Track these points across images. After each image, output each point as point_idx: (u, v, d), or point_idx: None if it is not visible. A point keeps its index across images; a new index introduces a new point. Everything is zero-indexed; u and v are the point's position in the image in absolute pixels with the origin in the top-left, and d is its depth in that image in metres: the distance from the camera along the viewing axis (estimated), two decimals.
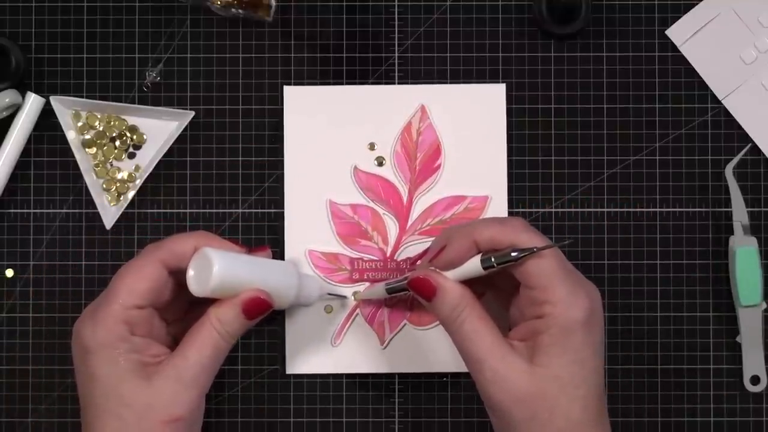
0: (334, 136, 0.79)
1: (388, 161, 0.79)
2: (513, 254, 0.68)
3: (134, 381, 0.68)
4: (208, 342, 0.69)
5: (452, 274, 0.70)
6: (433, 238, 0.78)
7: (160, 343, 0.71)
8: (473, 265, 0.69)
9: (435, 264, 0.71)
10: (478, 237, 0.69)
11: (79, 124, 0.79)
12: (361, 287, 0.79)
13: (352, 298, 0.79)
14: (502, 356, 0.67)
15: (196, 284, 0.69)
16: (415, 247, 0.79)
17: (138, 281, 0.70)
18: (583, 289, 0.68)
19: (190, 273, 0.70)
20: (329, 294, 0.78)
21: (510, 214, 0.79)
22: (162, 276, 0.70)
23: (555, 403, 0.66)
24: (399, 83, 0.80)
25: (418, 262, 0.75)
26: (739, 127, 0.79)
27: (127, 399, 0.68)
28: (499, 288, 0.73)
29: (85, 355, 0.69)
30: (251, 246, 0.74)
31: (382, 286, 0.76)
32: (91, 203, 0.79)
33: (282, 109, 0.80)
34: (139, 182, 0.79)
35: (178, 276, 0.71)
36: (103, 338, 0.69)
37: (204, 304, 0.71)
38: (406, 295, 0.78)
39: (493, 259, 0.68)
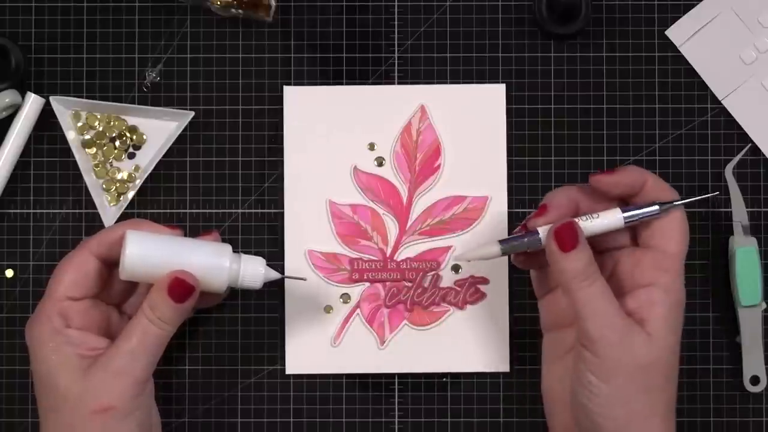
0: (334, 136, 0.79)
1: (387, 161, 0.79)
2: (659, 206, 0.68)
3: (69, 374, 0.69)
4: (139, 330, 0.69)
5: (589, 226, 0.68)
6: (433, 238, 0.78)
7: (112, 336, 0.71)
8: (613, 218, 0.68)
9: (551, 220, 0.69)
10: (623, 180, 0.69)
11: (79, 124, 0.79)
12: (361, 288, 0.79)
13: (451, 259, 0.78)
14: (624, 325, 0.67)
15: (120, 267, 0.70)
16: (414, 247, 0.79)
17: (67, 273, 0.70)
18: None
19: (120, 259, 0.70)
20: (285, 277, 0.76)
21: (510, 214, 0.79)
22: (92, 266, 0.71)
23: (671, 372, 0.68)
24: (399, 83, 0.80)
25: (536, 219, 0.70)
26: (739, 127, 0.79)
27: (62, 391, 0.68)
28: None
29: (30, 355, 0.70)
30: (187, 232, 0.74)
31: (496, 244, 0.69)
32: (91, 203, 0.79)
33: (282, 109, 0.80)
34: (139, 182, 0.79)
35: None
36: (37, 334, 0.70)
37: None
38: (407, 301, 0.78)
39: (637, 211, 0.68)
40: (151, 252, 0.70)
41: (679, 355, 0.68)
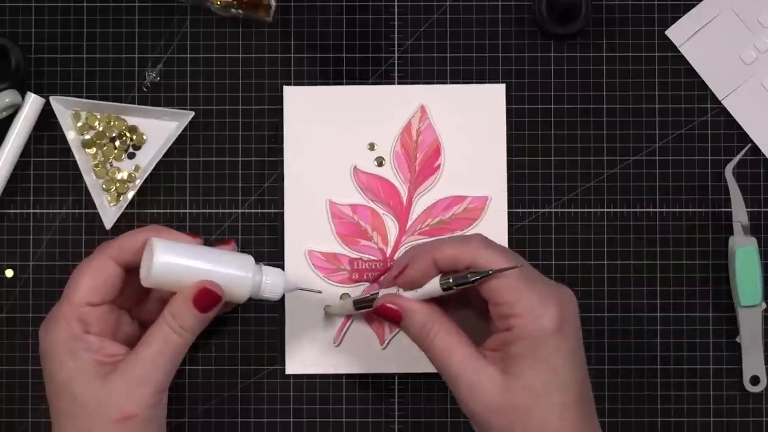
0: (333, 136, 0.79)
1: (387, 161, 0.79)
2: (470, 277, 0.67)
3: (87, 381, 0.68)
4: (160, 338, 0.69)
5: (414, 294, 0.70)
6: (433, 239, 0.78)
7: (128, 342, 0.71)
8: (433, 286, 0.69)
9: (398, 283, 0.71)
10: (438, 256, 0.69)
11: (79, 124, 0.79)
12: (361, 288, 0.79)
13: (345, 302, 0.79)
14: (476, 369, 0.67)
15: (144, 275, 0.69)
16: None
17: (88, 279, 0.70)
18: (551, 296, 0.67)
19: (141, 265, 0.70)
20: (301, 289, 0.76)
21: (510, 214, 0.79)
22: (113, 272, 0.70)
23: (529, 414, 0.66)
24: (399, 83, 0.80)
25: (382, 278, 0.75)
26: (739, 127, 0.79)
27: (80, 399, 0.68)
28: (472, 300, 0.72)
29: (43, 358, 0.70)
30: (208, 241, 0.74)
31: (350, 302, 0.76)
32: (91, 203, 0.79)
33: (282, 109, 0.80)
34: (138, 182, 0.79)
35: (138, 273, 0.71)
36: (55, 339, 0.69)
37: None
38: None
39: (451, 281, 0.68)
40: (179, 261, 0.69)
41: (548, 395, 0.66)
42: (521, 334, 0.66)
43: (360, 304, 0.75)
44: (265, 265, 0.73)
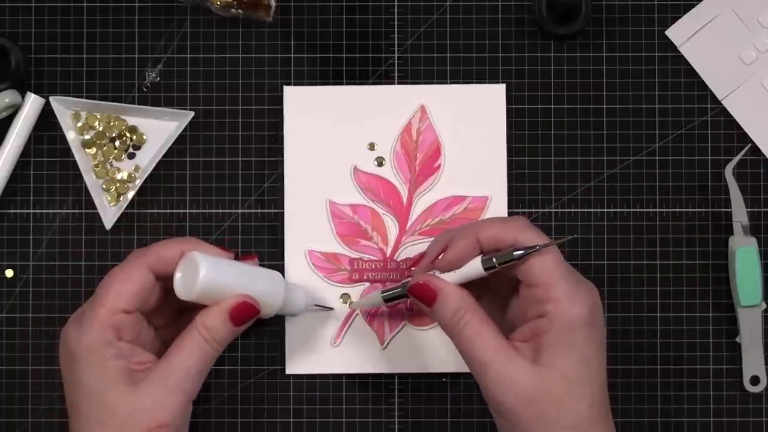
0: (334, 136, 0.79)
1: (387, 161, 0.79)
2: (515, 253, 0.68)
3: (119, 387, 0.68)
4: (193, 348, 0.69)
5: (452, 277, 0.70)
6: (433, 238, 0.78)
7: (147, 349, 0.71)
8: (474, 267, 0.69)
9: (437, 266, 0.71)
10: (482, 236, 0.69)
11: (79, 124, 0.79)
12: (361, 288, 0.79)
13: (347, 306, 0.79)
14: (507, 358, 0.67)
15: (183, 288, 0.69)
16: (414, 247, 0.79)
17: (125, 286, 0.70)
18: (584, 286, 0.68)
19: (177, 276, 0.70)
20: (316, 306, 0.78)
21: (510, 214, 0.79)
22: (149, 280, 0.70)
23: (562, 402, 0.66)
24: (399, 83, 0.80)
25: (413, 268, 0.75)
26: (739, 127, 0.79)
27: (111, 406, 0.68)
28: (495, 292, 0.73)
29: (71, 361, 0.69)
30: (239, 254, 0.75)
31: (378, 293, 0.75)
32: (91, 203, 0.79)
33: (282, 109, 0.80)
34: (138, 182, 0.79)
35: (165, 281, 0.71)
36: (89, 343, 0.68)
37: (193, 310, 0.71)
38: (405, 302, 0.77)
39: (494, 260, 0.68)
40: (222, 278, 0.70)
41: (580, 384, 0.67)
42: (556, 321, 0.66)
43: (389, 294, 0.74)
44: (287, 281, 0.75)
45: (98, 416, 0.68)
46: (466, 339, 0.68)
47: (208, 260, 0.69)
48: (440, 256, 0.71)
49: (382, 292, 0.74)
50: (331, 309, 0.78)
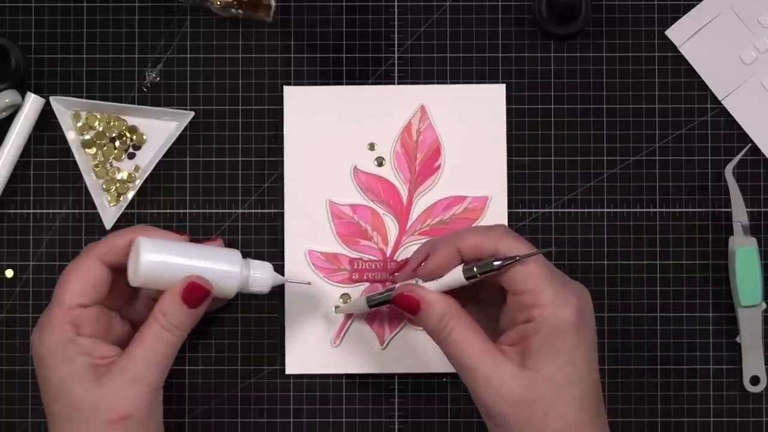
0: (333, 136, 0.79)
1: (387, 161, 0.79)
2: (495, 263, 0.68)
3: (82, 383, 0.68)
4: (153, 336, 0.69)
5: (435, 285, 0.70)
6: (432, 239, 0.78)
7: (125, 344, 0.71)
8: (455, 276, 0.69)
9: (418, 274, 0.71)
10: (462, 246, 0.69)
11: (79, 124, 0.79)
12: (361, 288, 0.79)
13: (333, 311, 0.78)
14: (494, 362, 0.67)
15: (131, 274, 0.70)
16: (414, 247, 0.79)
17: (76, 281, 0.70)
18: (570, 289, 0.68)
19: (129, 265, 0.70)
20: (291, 281, 0.76)
21: (510, 214, 0.79)
22: (100, 272, 0.70)
23: (550, 405, 0.66)
24: (399, 83, 0.80)
25: (396, 274, 0.75)
26: (739, 127, 0.79)
27: (76, 402, 0.68)
28: (485, 301, 0.72)
29: (38, 363, 0.70)
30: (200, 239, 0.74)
31: (363, 299, 0.75)
32: (91, 203, 0.79)
33: (282, 109, 0.80)
34: (138, 182, 0.79)
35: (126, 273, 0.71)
36: (49, 343, 0.69)
37: None
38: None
39: (475, 269, 0.68)
40: (166, 259, 0.69)
41: (569, 387, 0.67)
42: (542, 325, 0.66)
43: (374, 300, 0.74)
44: (252, 259, 0.73)
45: (66, 414, 0.68)
46: (452, 344, 0.68)
47: (152, 243, 0.69)
48: (422, 265, 0.71)
49: (368, 298, 0.75)
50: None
